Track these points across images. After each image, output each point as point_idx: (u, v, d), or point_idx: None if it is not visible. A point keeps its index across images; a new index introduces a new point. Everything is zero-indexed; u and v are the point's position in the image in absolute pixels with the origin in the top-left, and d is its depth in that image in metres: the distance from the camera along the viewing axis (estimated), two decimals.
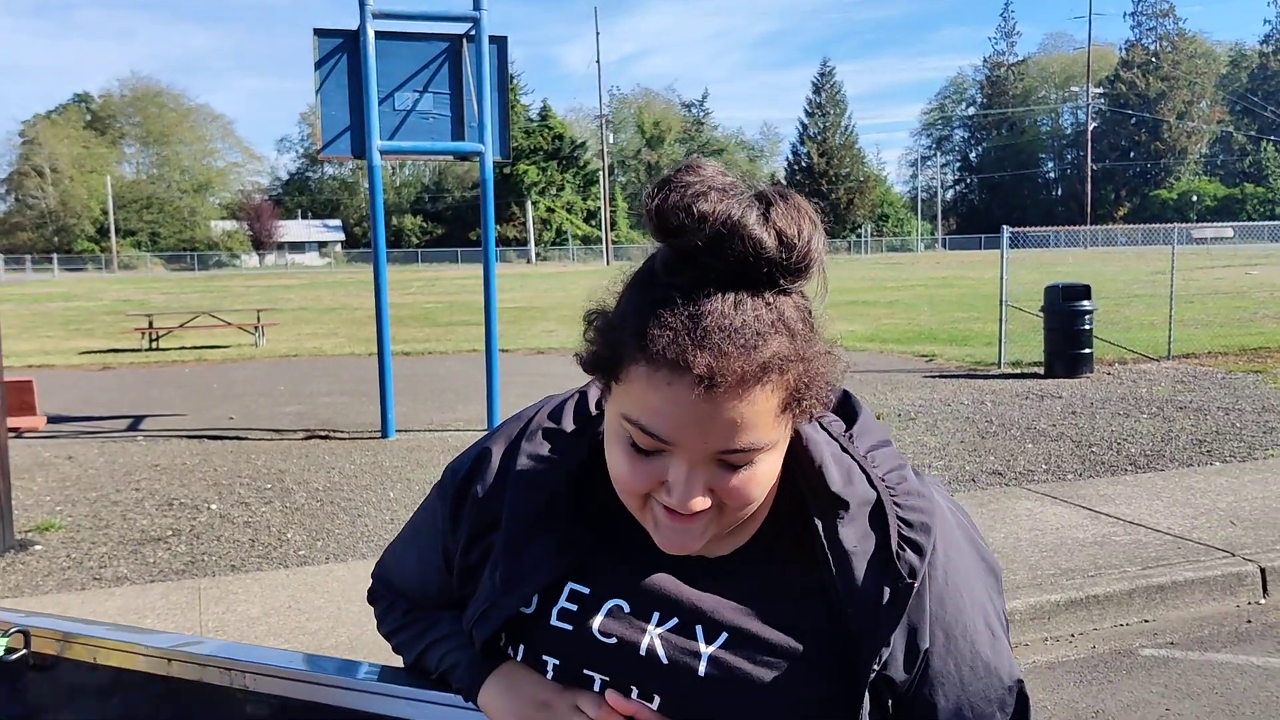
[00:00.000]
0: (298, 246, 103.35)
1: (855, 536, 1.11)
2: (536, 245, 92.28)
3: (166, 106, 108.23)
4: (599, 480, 1.17)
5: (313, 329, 25.11)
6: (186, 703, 1.39)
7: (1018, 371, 14.53)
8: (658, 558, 1.14)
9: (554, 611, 1.17)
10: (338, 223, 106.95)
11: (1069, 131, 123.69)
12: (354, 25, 10.02)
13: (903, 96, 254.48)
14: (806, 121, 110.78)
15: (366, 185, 11.80)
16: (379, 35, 10.11)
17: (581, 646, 1.15)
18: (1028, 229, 18.79)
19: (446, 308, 31.12)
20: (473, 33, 10.26)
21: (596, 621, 1.15)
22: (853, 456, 1.16)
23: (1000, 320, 15.34)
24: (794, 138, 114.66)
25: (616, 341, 1.03)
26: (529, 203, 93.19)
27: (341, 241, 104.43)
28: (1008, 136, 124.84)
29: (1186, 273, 31.20)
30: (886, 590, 1.10)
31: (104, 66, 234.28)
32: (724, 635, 1.12)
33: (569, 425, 1.24)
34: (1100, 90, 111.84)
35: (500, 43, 10.68)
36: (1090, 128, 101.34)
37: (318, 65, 10.14)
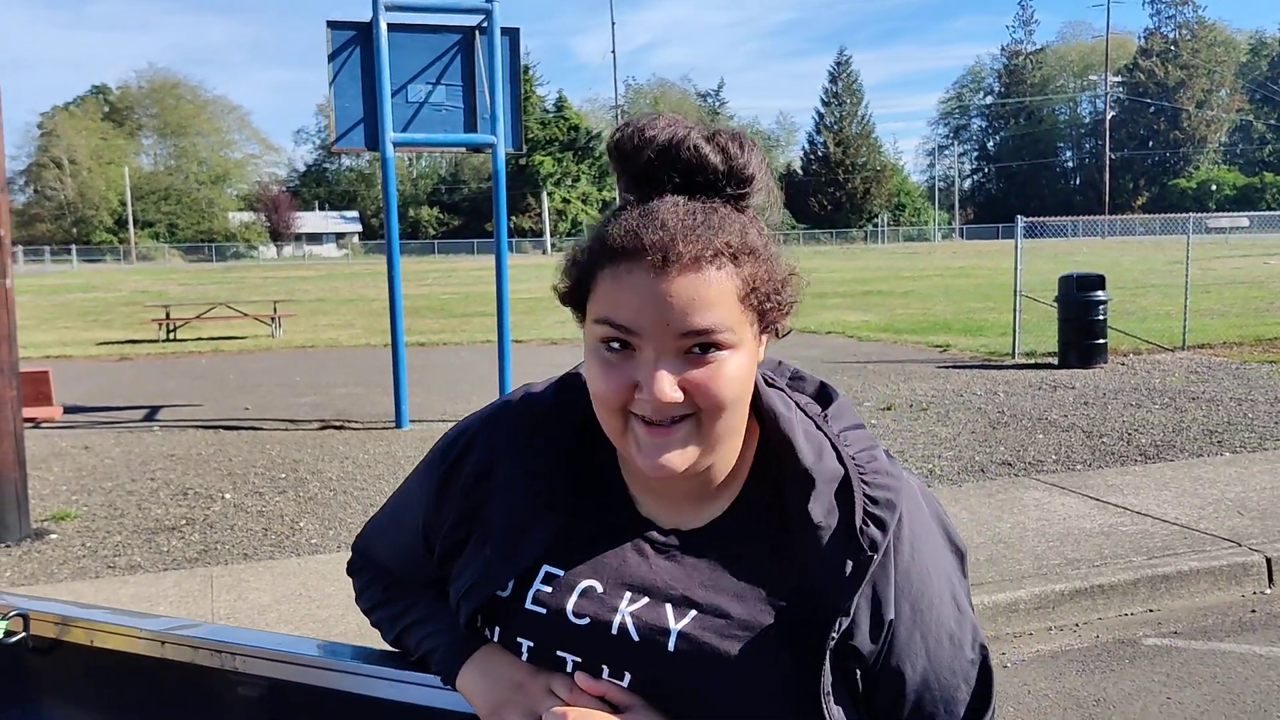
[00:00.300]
0: (315, 238, 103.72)
1: (822, 511, 1.16)
2: (552, 236, 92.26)
3: (184, 98, 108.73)
4: (582, 460, 1.24)
5: (329, 320, 25.23)
6: (180, 683, 1.44)
7: (1032, 362, 14.50)
8: (630, 538, 1.20)
9: (529, 595, 1.20)
10: (355, 214, 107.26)
11: (1087, 120, 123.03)
12: (367, 17, 10.06)
13: (920, 85, 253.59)
14: (823, 111, 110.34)
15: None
16: (392, 27, 10.14)
17: (556, 628, 1.18)
18: (1043, 219, 18.72)
19: (462, 299, 31.21)
20: (485, 25, 10.29)
21: (570, 603, 1.19)
22: (825, 434, 1.22)
23: (1014, 310, 15.30)
24: (810, 127, 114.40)
25: (584, 260, 1.13)
26: (544, 193, 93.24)
27: (359, 233, 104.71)
28: (1025, 125, 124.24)
29: (1204, 262, 31.09)
30: (849, 563, 1.14)
31: (122, 58, 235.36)
32: (693, 612, 1.16)
33: (554, 408, 1.28)
34: (1119, 79, 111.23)
35: (512, 34, 10.71)
36: (1108, 117, 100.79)
37: (331, 57, 10.19)
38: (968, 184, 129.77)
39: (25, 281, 50.58)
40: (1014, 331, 15.26)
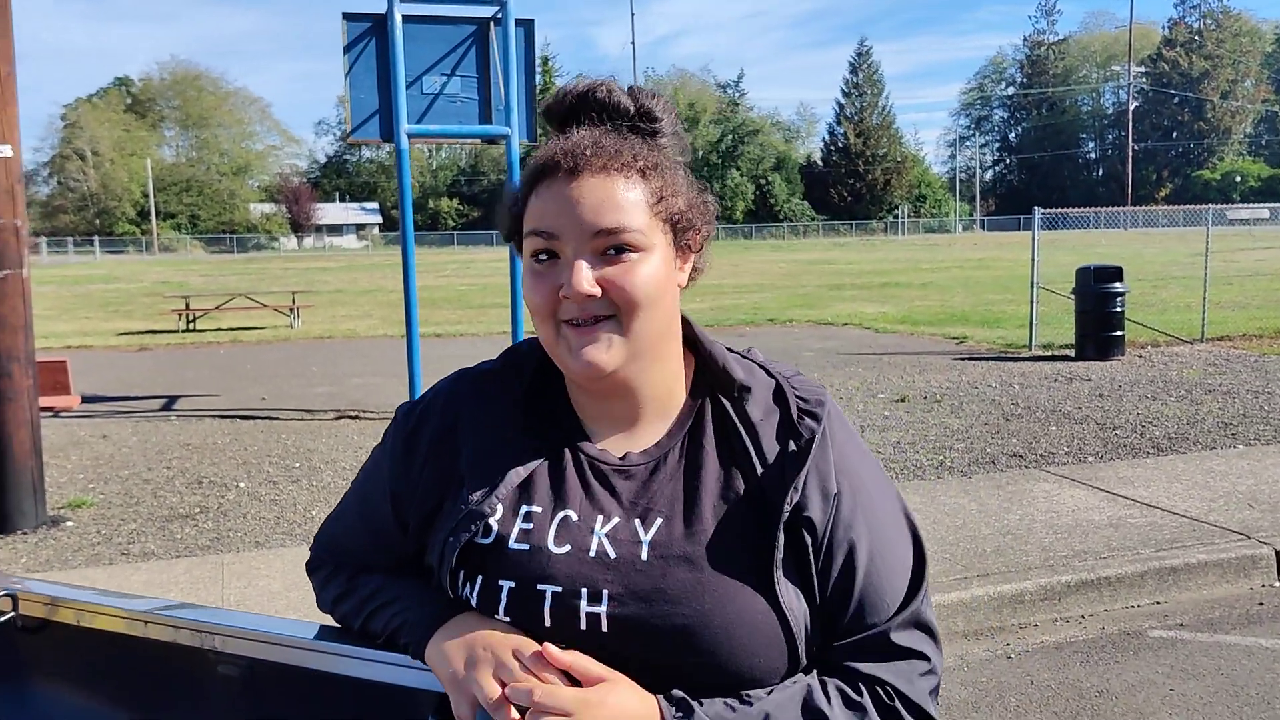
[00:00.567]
0: (335, 229, 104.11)
1: (760, 411, 1.32)
2: None
3: (206, 90, 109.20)
4: (549, 389, 1.38)
5: (347, 311, 25.35)
6: (162, 662, 1.48)
7: (1048, 354, 14.46)
8: (592, 467, 1.32)
9: (512, 535, 1.28)
10: (375, 205, 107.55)
11: (1110, 111, 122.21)
12: (383, 9, 10.10)
13: (941, 76, 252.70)
14: (843, 101, 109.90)
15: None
16: (407, 19, 10.16)
17: (538, 561, 1.26)
18: (1062, 210, 18.60)
19: (479, 290, 31.29)
20: (499, 16, 10.30)
21: (550, 535, 1.27)
22: (753, 361, 1.40)
23: (1031, 302, 15.26)
24: (830, 118, 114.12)
25: (517, 197, 1.31)
26: None
27: (379, 224, 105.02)
28: (1048, 116, 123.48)
29: (1227, 254, 30.86)
30: (792, 444, 1.30)
31: (144, 50, 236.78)
32: (659, 520, 1.27)
33: (502, 367, 1.42)
34: (1142, 69, 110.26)
35: (527, 25, 10.72)
36: (1132, 107, 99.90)
37: (346, 49, 10.23)
38: (989, 175, 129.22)
39: (48, 272, 51.02)
40: (1031, 323, 15.22)
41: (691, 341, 1.39)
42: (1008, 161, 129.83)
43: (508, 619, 1.24)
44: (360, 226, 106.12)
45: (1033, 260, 15.39)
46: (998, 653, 4.95)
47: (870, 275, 34.32)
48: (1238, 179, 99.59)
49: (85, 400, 11.68)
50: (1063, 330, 15.23)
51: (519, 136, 10.45)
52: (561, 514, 1.28)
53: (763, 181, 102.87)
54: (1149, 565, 5.56)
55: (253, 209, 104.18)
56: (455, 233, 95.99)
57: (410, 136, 10.25)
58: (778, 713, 1.21)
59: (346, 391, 12.62)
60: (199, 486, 8.00)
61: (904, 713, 1.27)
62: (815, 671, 1.28)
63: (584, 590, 1.23)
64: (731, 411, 1.33)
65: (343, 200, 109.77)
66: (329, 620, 1.46)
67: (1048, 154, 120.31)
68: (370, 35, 10.27)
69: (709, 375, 1.36)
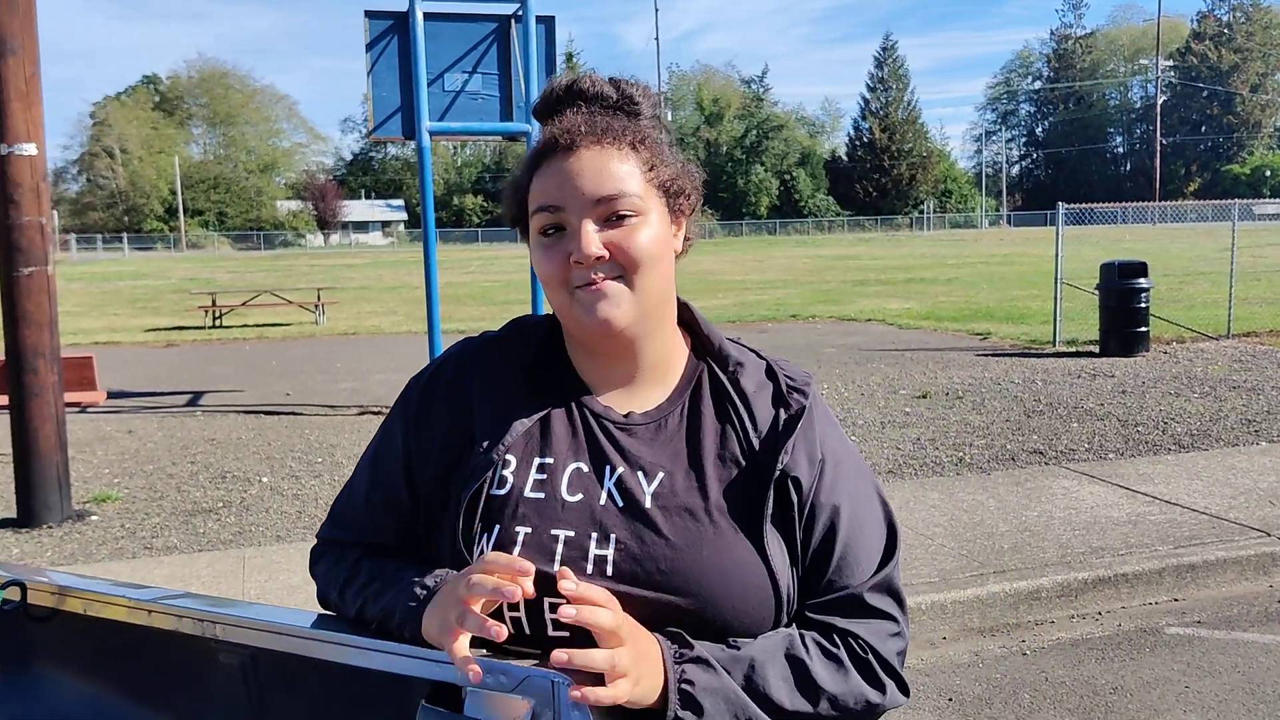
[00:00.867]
0: (361, 226, 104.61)
1: (753, 384, 1.45)
2: None
3: (233, 88, 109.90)
4: (555, 357, 1.48)
5: (372, 307, 25.48)
6: (165, 650, 1.51)
7: (1072, 350, 14.38)
8: (599, 424, 1.42)
9: (527, 484, 1.37)
10: (400, 202, 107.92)
11: (1138, 105, 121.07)
12: (404, 7, 10.15)
13: (967, 71, 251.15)
14: (868, 96, 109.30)
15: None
16: (428, 17, 10.21)
17: (552, 508, 1.36)
18: (1088, 205, 18.46)
19: (503, 286, 31.39)
20: (520, 13, 10.33)
21: (563, 485, 1.37)
22: (744, 346, 1.52)
23: (1055, 298, 15.18)
24: (856, 113, 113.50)
25: (519, 183, 1.42)
26: None
27: (404, 221, 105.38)
28: (1075, 110, 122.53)
29: (1257, 249, 30.58)
30: (782, 413, 1.42)
31: (172, 48, 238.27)
32: (660, 474, 1.38)
33: (507, 334, 1.52)
34: (1170, 63, 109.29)
35: (548, 22, 10.75)
36: (1160, 101, 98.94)
37: (369, 47, 10.29)
38: (1015, 170, 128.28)
39: (77, 269, 51.50)
40: (1055, 319, 15.14)
41: (687, 322, 1.50)
42: (1034, 156, 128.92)
43: None
44: (386, 223, 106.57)
45: (1056, 256, 15.31)
46: (1013, 649, 4.94)
47: (895, 271, 34.20)
48: (1268, 173, 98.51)
49: (112, 396, 11.81)
50: (1087, 326, 15.15)
51: (539, 133, 10.48)
52: (573, 465, 1.39)
53: (787, 177, 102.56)
54: (1167, 562, 5.54)
55: (279, 206, 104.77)
56: (480, 229, 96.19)
57: (432, 134, 10.30)
58: (762, 657, 1.30)
59: (370, 387, 12.69)
60: (222, 481, 8.08)
61: (876, 666, 1.38)
62: (795, 625, 1.38)
63: (593, 534, 1.33)
64: (727, 382, 1.44)
65: (368, 197, 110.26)
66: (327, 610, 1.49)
67: (1075, 149, 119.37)
68: (392, 33, 10.32)
69: (705, 351, 1.49)
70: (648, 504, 1.35)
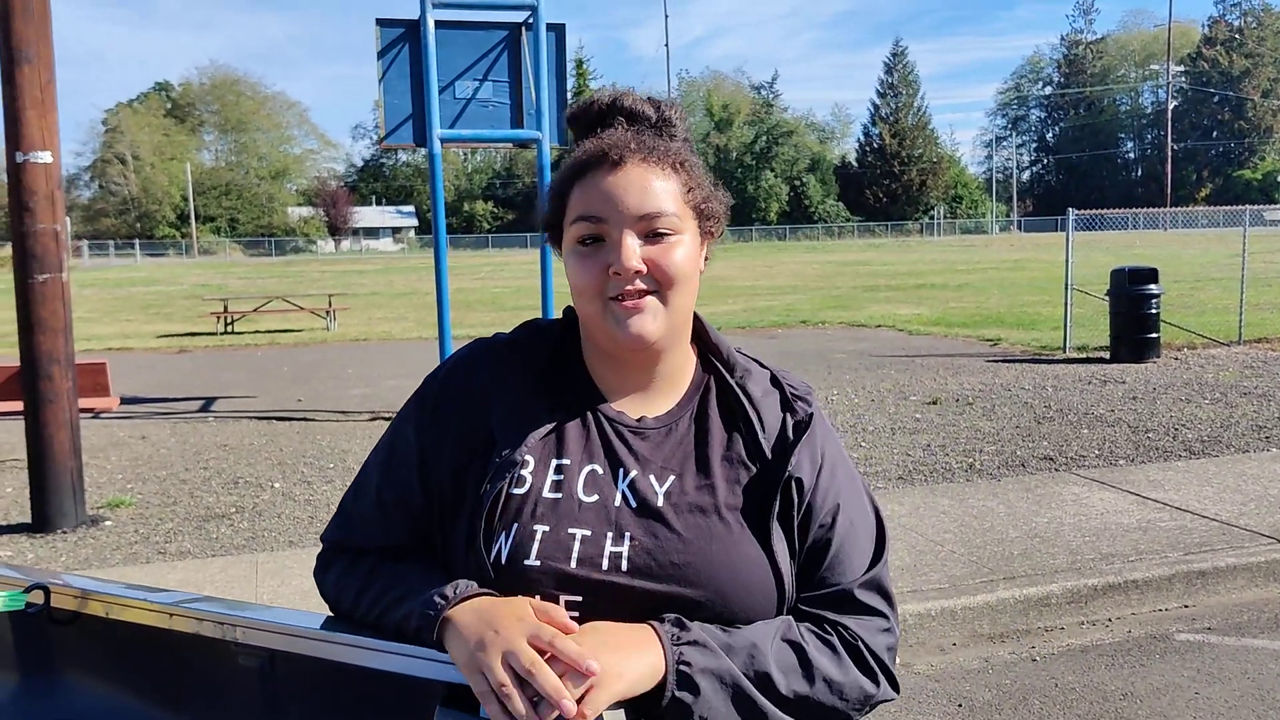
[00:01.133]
0: (372, 232, 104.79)
1: (760, 390, 1.51)
2: None
3: (244, 94, 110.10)
4: (568, 361, 1.52)
5: (383, 313, 25.55)
6: (186, 653, 1.54)
7: (1083, 356, 14.37)
8: (612, 428, 1.47)
9: (546, 485, 1.42)
10: (411, 209, 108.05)
11: (1149, 111, 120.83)
12: (416, 15, 10.20)
13: (978, 76, 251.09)
14: (878, 102, 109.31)
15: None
16: (439, 24, 10.26)
17: (569, 508, 1.40)
18: (1098, 211, 18.43)
19: (513, 292, 31.45)
20: (531, 21, 10.38)
21: (579, 486, 1.42)
22: (749, 358, 1.58)
23: (1066, 304, 15.16)
24: (865, 119, 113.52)
25: (559, 187, 1.45)
26: None
27: (415, 227, 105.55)
28: (1086, 116, 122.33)
29: (1268, 255, 30.45)
30: (790, 419, 1.49)
31: (184, 55, 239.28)
32: (672, 477, 1.44)
33: (519, 338, 1.55)
34: (1181, 68, 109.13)
35: (558, 30, 10.80)
36: (1171, 107, 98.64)
37: (380, 54, 10.35)
38: (1026, 176, 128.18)
39: (90, 275, 51.70)
40: (1065, 325, 15.13)
41: (696, 331, 1.55)
42: (1045, 162, 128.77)
43: (538, 563, 1.35)
44: (397, 230, 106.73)
45: (1067, 262, 15.30)
46: (1023, 655, 4.95)
47: (905, 277, 34.17)
48: (1279, 178, 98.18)
49: (125, 401, 11.87)
50: (1098, 332, 15.13)
51: (550, 140, 10.52)
52: (589, 467, 1.43)
53: (797, 183, 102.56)
54: (1177, 568, 5.54)
55: (291, 212, 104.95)
56: (490, 235, 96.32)
57: (442, 141, 10.35)
58: (760, 640, 1.35)
59: (381, 393, 12.74)
60: (235, 487, 8.13)
61: (867, 657, 1.43)
62: (790, 617, 1.44)
63: (609, 533, 1.38)
64: (737, 388, 1.50)
65: (379, 204, 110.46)
66: None
67: (1086, 154, 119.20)
68: (403, 40, 10.38)
69: (714, 359, 1.54)
70: (660, 503, 1.41)
